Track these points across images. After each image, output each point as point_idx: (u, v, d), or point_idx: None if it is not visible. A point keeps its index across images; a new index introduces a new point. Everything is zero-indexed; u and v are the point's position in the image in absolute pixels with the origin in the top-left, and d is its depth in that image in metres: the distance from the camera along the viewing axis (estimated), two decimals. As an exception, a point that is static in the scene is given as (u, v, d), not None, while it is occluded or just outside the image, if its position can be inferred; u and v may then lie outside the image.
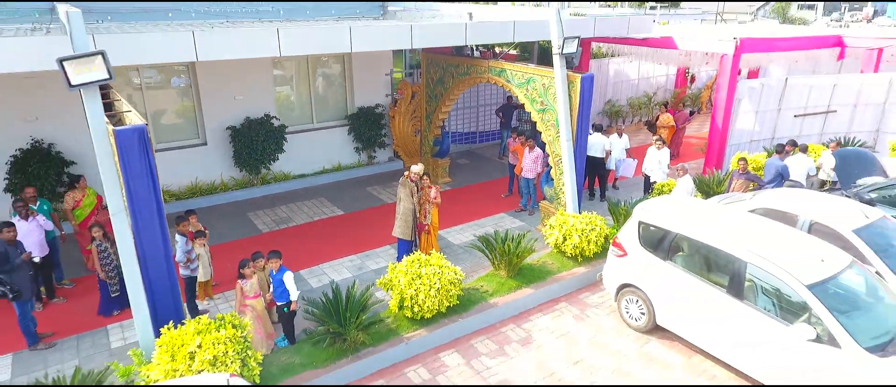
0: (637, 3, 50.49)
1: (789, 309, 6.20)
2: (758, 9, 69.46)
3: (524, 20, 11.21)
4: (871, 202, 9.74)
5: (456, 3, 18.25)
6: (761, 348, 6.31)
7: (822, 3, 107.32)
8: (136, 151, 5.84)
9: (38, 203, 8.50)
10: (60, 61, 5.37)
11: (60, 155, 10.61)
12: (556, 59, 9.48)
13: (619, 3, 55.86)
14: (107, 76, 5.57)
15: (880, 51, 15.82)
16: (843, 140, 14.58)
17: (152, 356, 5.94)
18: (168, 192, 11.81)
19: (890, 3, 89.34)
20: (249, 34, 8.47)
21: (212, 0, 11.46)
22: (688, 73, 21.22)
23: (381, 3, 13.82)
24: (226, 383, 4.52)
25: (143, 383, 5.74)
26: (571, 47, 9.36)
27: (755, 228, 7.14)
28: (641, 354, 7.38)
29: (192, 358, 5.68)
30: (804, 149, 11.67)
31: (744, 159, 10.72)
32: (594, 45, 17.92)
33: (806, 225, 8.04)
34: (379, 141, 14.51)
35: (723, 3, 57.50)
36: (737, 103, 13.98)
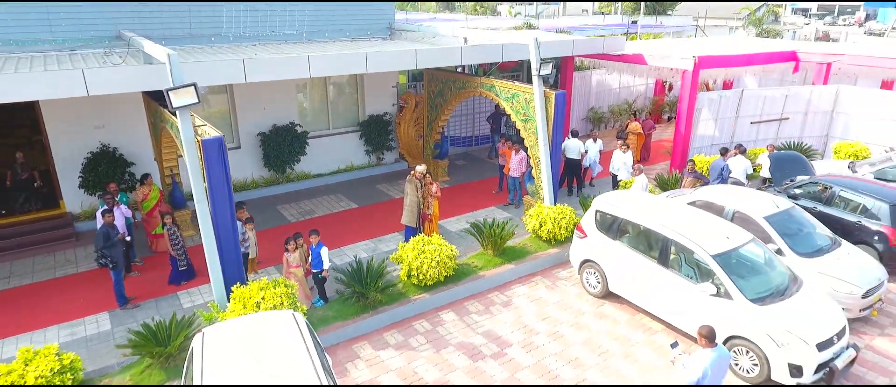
0: (632, 2, 52.49)
1: (700, 273, 8.33)
2: (747, 14, 71.37)
3: (511, 43, 13.31)
4: (795, 196, 11.91)
5: (454, 22, 20.38)
6: (680, 304, 8.44)
7: (814, 3, 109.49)
8: (216, 155, 7.99)
9: (119, 196, 10.64)
10: (167, 91, 7.51)
11: (122, 157, 12.75)
12: (535, 79, 11.60)
13: (615, 2, 57.69)
14: (197, 101, 7.70)
15: (829, 65, 17.96)
16: (792, 144, 16.76)
17: (227, 307, 8.08)
18: (209, 188, 13.93)
19: (881, 8, 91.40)
20: (286, 61, 10.60)
21: (246, 25, 13.63)
22: (665, 82, 23.33)
23: (388, 25, 15.98)
24: (292, 315, 6.61)
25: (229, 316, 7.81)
26: (547, 70, 11.48)
27: (682, 215, 9.27)
28: (596, 312, 9.51)
29: (258, 306, 7.80)
30: (744, 151, 13.80)
31: (692, 160, 12.87)
32: (577, 58, 20.05)
33: (730, 213, 10.17)
34: (386, 145, 16.66)
35: (707, 6, 59.47)
36: (697, 112, 16.12)
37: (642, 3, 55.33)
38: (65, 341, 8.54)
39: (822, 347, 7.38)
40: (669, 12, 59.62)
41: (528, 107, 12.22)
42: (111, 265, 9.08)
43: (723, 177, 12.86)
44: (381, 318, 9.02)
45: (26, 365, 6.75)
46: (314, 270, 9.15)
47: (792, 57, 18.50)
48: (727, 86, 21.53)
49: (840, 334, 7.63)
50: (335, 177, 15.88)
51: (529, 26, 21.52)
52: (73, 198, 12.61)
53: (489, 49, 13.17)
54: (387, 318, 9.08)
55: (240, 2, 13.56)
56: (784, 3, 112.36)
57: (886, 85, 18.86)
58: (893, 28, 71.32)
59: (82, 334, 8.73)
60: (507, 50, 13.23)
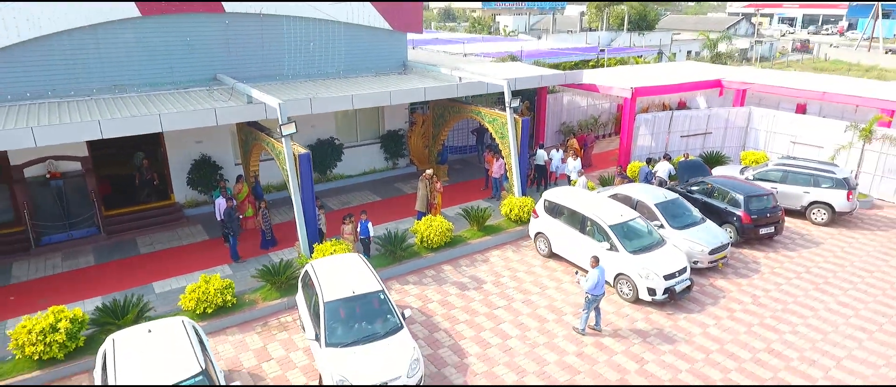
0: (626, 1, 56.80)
1: (603, 237, 13.51)
2: (729, 27, 76.45)
3: (492, 83, 18.43)
4: (691, 191, 17.10)
5: (454, 45, 25.57)
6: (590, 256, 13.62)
7: (799, 12, 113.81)
8: (306, 164, 13.21)
9: (226, 190, 15.88)
10: (280, 126, 12.70)
11: (215, 162, 17.98)
12: (508, 109, 16.79)
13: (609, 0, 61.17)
14: (296, 131, 12.90)
15: (744, 91, 23.19)
16: (713, 153, 21.94)
17: (311, 256, 13.29)
18: (273, 186, 19.13)
19: (862, 19, 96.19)
20: (337, 99, 15.77)
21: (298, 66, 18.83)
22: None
23: (402, 62, 21.17)
24: (357, 256, 11.76)
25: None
26: (516, 103, 16.68)
27: (595, 201, 14.48)
28: (543, 265, 14.72)
29: (329, 253, 13.00)
30: (669, 158, 19.00)
31: (620, 166, 18.08)
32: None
33: (634, 202, 15.36)
34: (401, 153, 21.87)
35: (686, 20, 64.50)
36: (636, 129, 21.34)
37: (626, 19, 60.63)
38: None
39: (667, 278, 12.58)
40: (652, 30, 64.57)
41: (504, 128, 17.42)
42: (232, 234, 14.32)
43: (648, 179, 18.08)
44: (404, 267, 14.23)
45: (207, 283, 11.94)
46: (362, 237, 14.36)
47: (717, 84, 23.74)
48: (682, 104, 26.72)
49: (681, 272, 12.81)
50: (363, 177, 21.12)
51: (512, 59, 26.52)
52: (180, 193, 17.84)
53: (476, 85, 18.35)
54: (407, 267, 14.29)
55: (296, 52, 18.74)
56: (768, 3, 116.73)
57: (801, 108, 24.05)
58: (864, 39, 76.25)
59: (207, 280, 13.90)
60: (489, 88, 18.43)
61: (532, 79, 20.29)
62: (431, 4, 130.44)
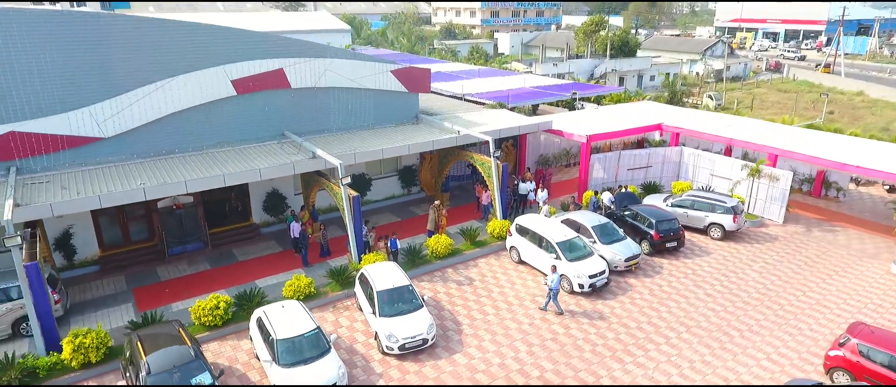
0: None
1: (552, 250, 20.53)
2: (706, 49, 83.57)
3: (481, 139, 25.38)
4: (624, 215, 24.13)
5: (454, 82, 32.64)
6: (545, 263, 20.65)
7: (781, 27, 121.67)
8: (357, 203, 20.30)
9: (296, 217, 22.96)
10: (341, 179, 19.75)
11: (281, 194, 25.03)
12: (492, 158, 23.82)
13: None
14: (351, 182, 19.94)
15: (679, 134, 30.23)
16: (653, 183, 28.93)
17: (360, 264, 20.34)
18: (321, 209, 26.15)
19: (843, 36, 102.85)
20: (374, 151, 22.79)
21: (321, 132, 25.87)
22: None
23: (415, 114, 28.17)
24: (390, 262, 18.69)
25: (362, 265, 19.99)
26: (498, 154, 23.72)
27: (549, 225, 21.53)
28: (515, 269, 21.78)
29: (372, 261, 20.03)
30: (612, 189, 26.04)
31: (573, 196, 25.12)
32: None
33: (578, 225, 22.39)
34: (413, 182, 28.92)
35: (668, 42, 71.62)
36: (592, 165, 28.39)
37: (608, 46, 67.74)
38: (288, 279, 20.76)
39: (592, 277, 19.63)
40: (633, 55, 71.37)
41: (490, 170, 24.46)
42: (303, 247, 21.39)
43: (595, 206, 25.14)
44: (420, 270, 21.28)
45: (298, 280, 18.95)
46: (392, 250, 21.39)
47: (658, 127, 30.80)
48: (641, 142, 33.64)
49: (601, 273, 19.85)
50: (385, 202, 28.18)
51: (501, 105, 33.55)
52: (257, 216, 24.90)
53: (470, 137, 25.36)
54: (422, 270, 21.33)
55: (339, 111, 25.71)
56: (750, 19, 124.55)
57: (727, 151, 30.91)
58: (828, 57, 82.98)
59: (292, 279, 20.96)
60: (479, 140, 25.46)
61: (513, 129, 27.35)
62: (434, 20, 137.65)
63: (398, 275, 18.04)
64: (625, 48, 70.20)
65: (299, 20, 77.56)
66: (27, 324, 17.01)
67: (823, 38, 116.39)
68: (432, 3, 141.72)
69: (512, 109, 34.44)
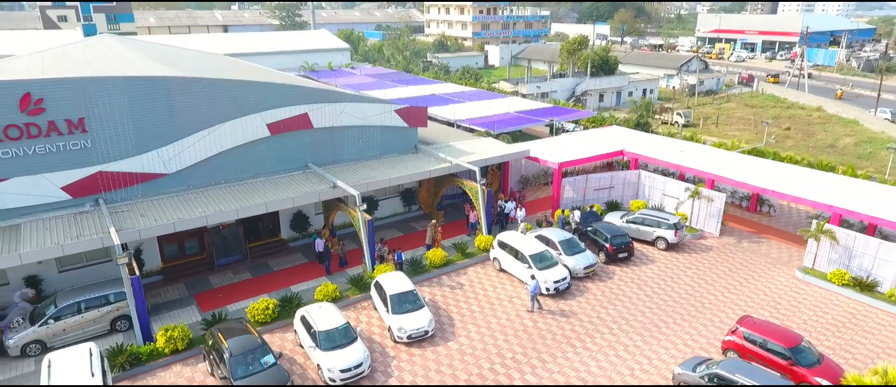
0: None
1: (525, 260, 26.03)
2: (682, 65, 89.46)
3: (468, 169, 30.85)
4: (585, 231, 29.70)
5: (447, 107, 38.14)
6: (522, 272, 26.14)
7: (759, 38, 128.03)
8: (371, 225, 25.74)
9: (319, 233, 28.33)
10: (358, 206, 25.16)
11: (304, 215, 30.39)
12: (479, 185, 29.30)
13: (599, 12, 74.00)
14: (366, 208, 25.35)
15: (636, 159, 35.85)
16: (615, 202, 34.52)
17: (374, 273, 25.74)
18: (337, 225, 31.48)
19: (809, 50, 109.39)
20: (384, 180, 28.22)
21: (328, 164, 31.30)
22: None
23: (415, 145, 33.62)
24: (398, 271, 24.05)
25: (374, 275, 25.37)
26: (484, 179, 29.21)
27: (523, 240, 27.04)
28: (497, 276, 27.26)
29: (383, 271, 25.44)
30: (580, 209, 31.58)
31: (546, 214, 30.65)
32: (513, 150, 37.67)
33: (547, 240, 27.91)
34: (413, 202, 34.34)
35: (649, 58, 77.06)
36: (563, 186, 33.94)
37: (589, 64, 73.37)
38: (315, 286, 26.08)
39: (556, 282, 25.17)
40: (613, 74, 77.06)
41: (477, 194, 29.93)
42: (326, 259, 26.78)
43: (567, 224, 30.69)
44: (420, 277, 26.70)
45: (326, 286, 24.33)
46: (398, 261, 26.79)
47: (621, 153, 36.42)
48: (610, 166, 39.27)
49: (564, 279, 25.39)
50: (389, 219, 33.60)
51: (488, 134, 39.04)
52: (285, 233, 30.25)
53: (460, 167, 30.81)
54: (422, 278, 26.75)
55: (352, 144, 31.05)
56: (729, 30, 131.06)
57: (682, 175, 36.54)
58: (797, 71, 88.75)
59: (319, 285, 26.33)
60: (469, 168, 30.94)
61: (497, 157, 32.85)
62: (427, 30, 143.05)
63: (404, 282, 23.49)
64: (605, 66, 75.86)
65: (304, 40, 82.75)
66: (122, 321, 22.31)
67: (798, 49, 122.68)
68: (425, 13, 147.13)
69: (497, 136, 39.99)
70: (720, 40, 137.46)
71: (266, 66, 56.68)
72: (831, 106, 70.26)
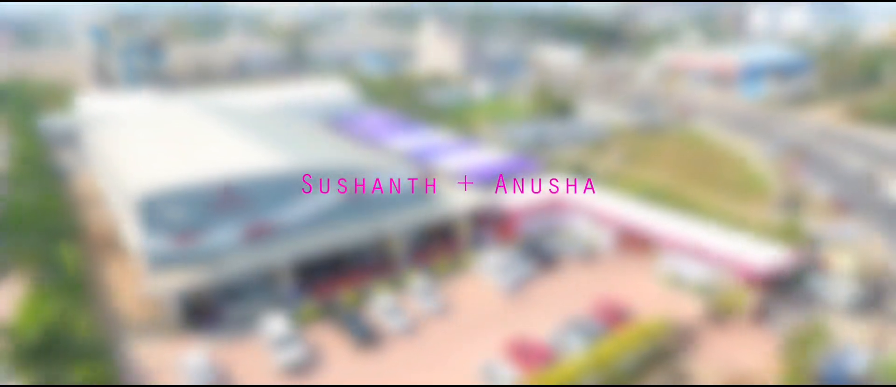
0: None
1: (493, 270, 47.75)
2: (633, 102, 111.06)
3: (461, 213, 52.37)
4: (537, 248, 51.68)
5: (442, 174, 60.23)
6: (489, 275, 47.87)
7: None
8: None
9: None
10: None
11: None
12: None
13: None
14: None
15: (565, 204, 57.95)
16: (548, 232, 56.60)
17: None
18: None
19: (746, 84, 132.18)
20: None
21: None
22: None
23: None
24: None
25: None
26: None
27: (492, 259, 48.85)
28: (477, 278, 49.07)
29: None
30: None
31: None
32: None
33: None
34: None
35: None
36: (524, 224, 55.82)
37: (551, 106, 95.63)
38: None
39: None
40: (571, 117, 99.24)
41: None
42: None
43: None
44: (434, 279, 48.42)
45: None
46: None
47: (557, 199, 58.48)
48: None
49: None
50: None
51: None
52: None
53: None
54: (435, 279, 48.43)
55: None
56: (687, 56, 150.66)
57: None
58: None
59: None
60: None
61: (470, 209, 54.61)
62: (421, 64, 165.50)
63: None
64: (564, 110, 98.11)
65: (324, 91, 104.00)
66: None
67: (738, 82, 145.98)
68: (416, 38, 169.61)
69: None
70: (677, 72, 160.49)
71: (296, 114, 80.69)
72: (740, 140, 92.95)
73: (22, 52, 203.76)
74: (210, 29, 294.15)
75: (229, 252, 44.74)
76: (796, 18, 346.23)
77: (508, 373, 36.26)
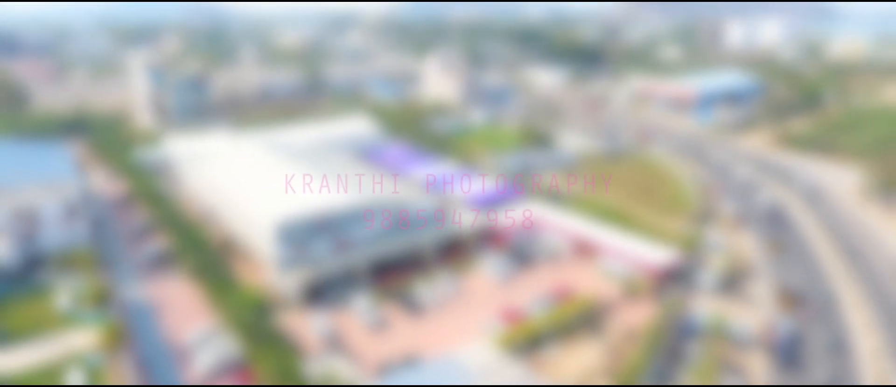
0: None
1: (490, 268, 75.92)
2: (602, 128, 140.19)
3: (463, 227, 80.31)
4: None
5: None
6: (488, 271, 76.05)
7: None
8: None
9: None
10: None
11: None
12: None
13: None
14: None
15: (534, 221, 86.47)
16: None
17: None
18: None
19: (703, 108, 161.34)
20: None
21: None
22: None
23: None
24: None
25: None
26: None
27: (490, 260, 77.05)
28: (480, 273, 77.32)
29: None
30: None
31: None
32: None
33: (499, 259, 77.96)
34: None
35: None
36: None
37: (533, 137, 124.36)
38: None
39: (501, 275, 75.25)
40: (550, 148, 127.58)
41: (472, 242, 79.70)
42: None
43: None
44: (453, 274, 76.63)
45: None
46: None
47: (529, 209, 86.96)
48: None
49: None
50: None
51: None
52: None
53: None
54: (453, 274, 76.66)
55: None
56: (657, 84, 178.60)
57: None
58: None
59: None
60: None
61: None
62: (425, 91, 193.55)
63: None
64: (542, 140, 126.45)
65: (350, 126, 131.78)
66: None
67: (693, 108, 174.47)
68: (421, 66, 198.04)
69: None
70: (645, 98, 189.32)
71: (334, 148, 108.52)
72: (682, 164, 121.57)
73: (64, 83, 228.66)
74: (220, 50, 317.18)
75: (325, 258, 72.33)
76: (770, 32, 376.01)
77: (497, 327, 64.22)
